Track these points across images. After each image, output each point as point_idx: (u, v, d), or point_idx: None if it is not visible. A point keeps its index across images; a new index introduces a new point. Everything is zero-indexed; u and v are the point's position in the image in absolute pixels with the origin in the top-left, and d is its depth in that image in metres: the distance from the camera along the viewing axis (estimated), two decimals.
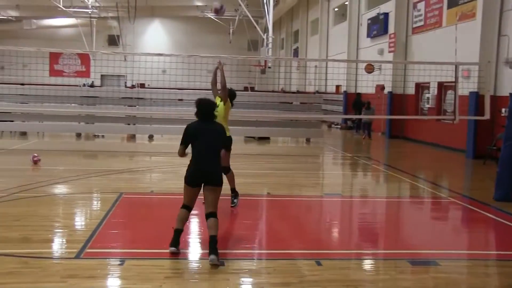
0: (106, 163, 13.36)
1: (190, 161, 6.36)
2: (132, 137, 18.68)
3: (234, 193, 8.58)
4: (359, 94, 25.28)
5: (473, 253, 6.84)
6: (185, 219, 6.24)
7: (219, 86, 8.57)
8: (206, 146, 6.25)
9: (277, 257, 6.25)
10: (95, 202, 9.15)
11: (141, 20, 44.29)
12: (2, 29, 44.30)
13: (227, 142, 8.21)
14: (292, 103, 20.12)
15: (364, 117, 21.54)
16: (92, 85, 35.55)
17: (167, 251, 6.07)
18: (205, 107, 6.37)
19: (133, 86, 33.41)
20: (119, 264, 5.69)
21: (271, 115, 17.52)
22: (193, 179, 6.23)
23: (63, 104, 16.62)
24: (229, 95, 8.44)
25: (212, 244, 5.81)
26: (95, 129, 18.07)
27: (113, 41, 45.66)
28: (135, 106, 17.57)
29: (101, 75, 45.16)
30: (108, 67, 16.46)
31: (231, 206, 8.47)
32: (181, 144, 6.49)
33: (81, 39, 40.76)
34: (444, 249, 6.79)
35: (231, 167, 8.48)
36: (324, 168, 14.87)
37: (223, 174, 7.42)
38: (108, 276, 5.46)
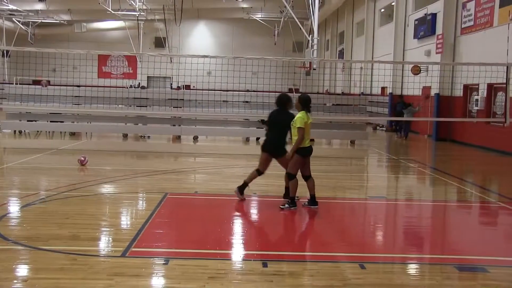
0: (152, 164, 13.59)
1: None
2: (177, 138, 18.94)
3: (291, 200, 8.62)
4: (401, 96, 24.87)
5: None
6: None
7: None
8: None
9: (320, 260, 6.22)
10: (140, 202, 9.33)
11: (187, 22, 44.88)
12: (54, 32, 45.74)
13: (302, 152, 8.56)
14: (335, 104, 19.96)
15: (409, 119, 21.20)
16: (143, 87, 36.16)
17: (211, 251, 6.13)
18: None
19: (178, 88, 33.89)
20: (164, 264, 5.78)
21: (316, 116, 17.42)
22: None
23: (110, 105, 17.01)
24: (302, 103, 8.63)
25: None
26: (142, 130, 18.41)
27: (159, 43, 46.46)
28: (180, 108, 17.80)
29: (148, 77, 46.00)
30: (154, 68, 16.72)
31: (280, 207, 8.52)
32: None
33: (128, 41, 41.66)
34: (493, 255, 6.59)
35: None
36: (368, 170, 14.69)
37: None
38: (153, 275, 5.55)
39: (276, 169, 9.32)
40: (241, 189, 9.02)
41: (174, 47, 46.14)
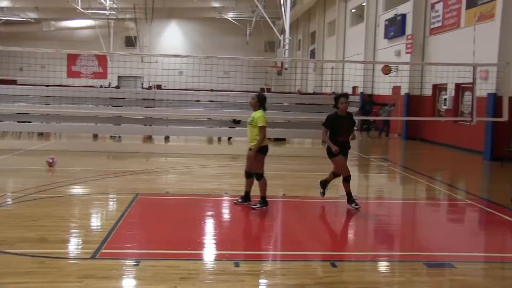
0: (123, 164, 13.46)
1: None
2: (148, 138, 18.80)
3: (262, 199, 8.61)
4: (370, 96, 25.19)
5: (490, 255, 6.76)
6: None
7: None
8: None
9: (292, 259, 6.25)
10: (111, 203, 9.23)
11: (158, 21, 44.55)
12: (21, 30, 44.87)
13: (261, 150, 8.41)
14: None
15: (386, 118, 21.51)
16: (117, 87, 35.71)
17: (182, 251, 6.11)
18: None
19: (149, 88, 33.61)
20: (135, 265, 5.73)
21: (288, 116, 17.50)
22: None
23: (80, 105, 16.78)
24: (261, 101, 8.57)
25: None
26: (112, 130, 18.21)
27: (130, 42, 46.02)
28: (152, 108, 17.68)
29: (118, 76, 45.52)
30: (125, 68, 16.54)
31: (252, 207, 8.51)
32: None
33: (98, 40, 41.14)
34: (460, 251, 6.74)
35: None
36: None
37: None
38: (124, 276, 5.50)
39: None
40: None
41: (145, 47, 45.73)
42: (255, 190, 8.59)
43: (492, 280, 5.76)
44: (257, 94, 8.84)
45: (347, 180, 8.76)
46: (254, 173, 8.50)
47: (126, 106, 17.46)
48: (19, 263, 5.67)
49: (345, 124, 8.77)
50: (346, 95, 8.93)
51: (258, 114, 8.41)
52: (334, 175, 9.09)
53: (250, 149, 8.46)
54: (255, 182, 8.57)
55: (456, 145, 18.49)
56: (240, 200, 8.75)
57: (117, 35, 45.38)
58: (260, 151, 8.36)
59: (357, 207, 8.55)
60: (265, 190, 8.51)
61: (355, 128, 8.83)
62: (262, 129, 8.30)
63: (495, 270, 6.10)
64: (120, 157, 14.83)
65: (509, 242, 7.78)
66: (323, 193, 9.17)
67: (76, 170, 12.03)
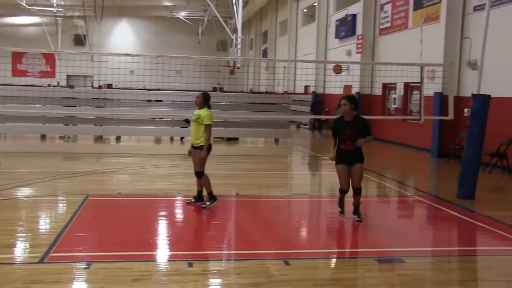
0: (72, 165, 13.14)
1: None
2: (99, 139, 18.43)
3: (210, 196, 8.56)
4: (318, 96, 25.57)
5: (437, 249, 6.96)
6: None
7: None
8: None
9: (246, 258, 6.26)
10: (60, 205, 9.00)
11: (108, 19, 43.77)
12: None
13: (209, 149, 8.37)
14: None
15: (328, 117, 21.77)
16: (71, 86, 34.80)
17: (135, 253, 6.03)
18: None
19: (100, 87, 32.99)
20: (86, 268, 5.61)
21: (240, 115, 17.51)
22: None
23: (27, 105, 16.26)
24: (206, 100, 8.53)
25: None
26: (61, 130, 17.75)
27: (79, 40, 44.98)
28: (102, 107, 17.33)
29: (67, 75, 44.42)
30: (74, 67, 16.18)
31: (201, 206, 8.48)
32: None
33: (45, 38, 40.02)
34: (409, 247, 6.90)
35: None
36: (292, 168, 14.95)
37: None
38: (74, 280, 5.37)
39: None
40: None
41: (95, 45, 44.83)
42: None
43: (440, 273, 5.94)
44: (202, 92, 8.81)
45: (356, 192, 8.07)
46: (196, 171, 8.47)
47: (76, 106, 17.04)
48: None
49: (347, 129, 7.88)
50: (346, 97, 8.01)
51: (204, 112, 8.39)
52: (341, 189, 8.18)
53: (193, 148, 8.41)
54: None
55: (405, 143, 18.96)
56: (193, 200, 8.71)
57: (66, 33, 44.28)
58: (202, 150, 8.34)
59: (359, 219, 8.12)
60: (210, 185, 8.50)
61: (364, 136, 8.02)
62: (209, 127, 8.30)
63: (442, 264, 6.28)
64: (70, 158, 14.48)
65: (455, 236, 8.04)
66: (341, 212, 8.24)
67: (23, 172, 11.67)
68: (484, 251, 7.02)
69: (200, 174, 8.47)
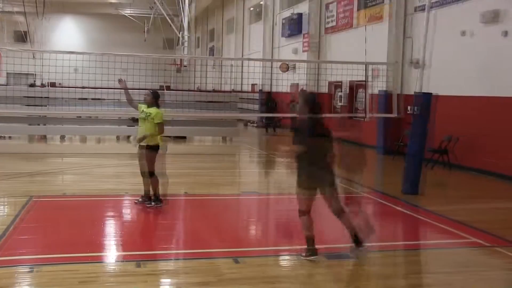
0: (14, 166, 12.69)
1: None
2: (42, 138, 17.89)
3: (156, 197, 8.44)
4: (269, 93, 25.65)
5: (383, 244, 7.12)
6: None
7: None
8: None
9: (195, 257, 6.23)
10: (1, 207, 8.71)
11: (51, 16, 42.44)
12: None
13: (157, 148, 8.25)
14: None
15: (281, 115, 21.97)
16: (32, 85, 33.51)
17: (81, 254, 5.89)
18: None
19: (42, 85, 31.99)
20: (29, 271, 5.44)
21: (187, 114, 17.38)
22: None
23: None
24: (155, 98, 8.40)
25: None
26: (2, 129, 17.13)
27: (20, 37, 43.48)
28: (45, 106, 16.82)
29: (7, 73, 42.87)
30: (14, 64, 15.62)
31: (146, 206, 8.36)
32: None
33: None
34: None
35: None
36: (240, 166, 14.98)
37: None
38: (16, 284, 5.20)
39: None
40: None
41: (37, 42, 43.46)
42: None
43: (385, 267, 6.10)
44: (152, 91, 8.71)
45: None
46: (147, 172, 8.35)
47: (12, 104, 16.45)
48: None
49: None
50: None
51: (155, 110, 8.28)
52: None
53: (142, 148, 8.28)
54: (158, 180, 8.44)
55: (352, 140, 19.28)
56: (140, 200, 8.57)
57: (5, 29, 42.76)
58: (152, 149, 8.22)
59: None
60: (158, 187, 8.39)
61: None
62: (160, 125, 8.21)
63: (387, 258, 6.46)
64: (11, 158, 13.99)
65: (401, 231, 8.27)
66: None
67: None
68: (427, 245, 7.26)
69: (150, 174, 8.31)
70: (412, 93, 11.51)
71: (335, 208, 6.33)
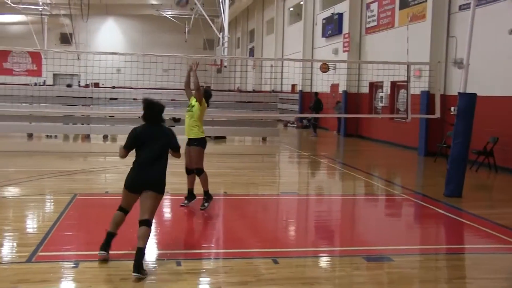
0: (60, 164, 13.04)
1: (133, 163, 5.91)
2: (86, 137, 18.31)
3: (207, 195, 8.41)
4: (316, 93, 25.29)
5: (424, 248, 7.01)
6: (120, 222, 5.91)
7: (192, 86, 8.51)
8: (153, 153, 5.81)
9: (234, 256, 6.26)
10: (48, 204, 8.94)
11: (95, 18, 43.42)
12: None
13: (201, 143, 8.21)
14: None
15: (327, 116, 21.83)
16: (69, 85, 34.51)
17: (123, 252, 6.00)
18: (153, 109, 5.94)
19: (87, 86, 32.73)
20: (73, 267, 5.58)
21: (227, 114, 17.49)
22: (132, 185, 5.80)
23: (13, 104, 16.12)
24: (205, 96, 8.39)
25: (136, 257, 5.37)
26: (48, 129, 17.62)
27: (65, 39, 44.61)
28: (89, 106, 17.22)
29: (54, 74, 44.06)
30: (60, 65, 16.01)
31: (200, 209, 8.34)
32: (124, 147, 6.05)
33: (31, 36, 39.65)
34: (397, 245, 6.96)
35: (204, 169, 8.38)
36: (280, 167, 14.97)
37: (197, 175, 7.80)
38: (62, 279, 5.35)
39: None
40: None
41: (82, 44, 44.50)
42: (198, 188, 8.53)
43: (427, 271, 5.99)
44: (205, 88, 8.75)
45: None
46: (196, 168, 8.38)
47: (58, 104, 16.90)
48: None
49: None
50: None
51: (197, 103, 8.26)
52: None
53: (188, 144, 8.31)
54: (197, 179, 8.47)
55: (392, 141, 19.06)
56: (186, 201, 8.58)
57: (52, 31, 43.92)
58: (199, 143, 8.23)
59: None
60: (207, 184, 8.40)
61: None
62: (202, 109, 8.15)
63: (429, 262, 6.34)
64: (56, 157, 14.37)
65: (442, 234, 8.10)
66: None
67: (9, 171, 11.56)
68: (471, 249, 7.08)
69: (199, 171, 8.28)
70: (455, 93, 11.26)
71: None
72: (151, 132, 5.93)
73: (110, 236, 5.85)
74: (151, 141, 5.86)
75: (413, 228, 8.22)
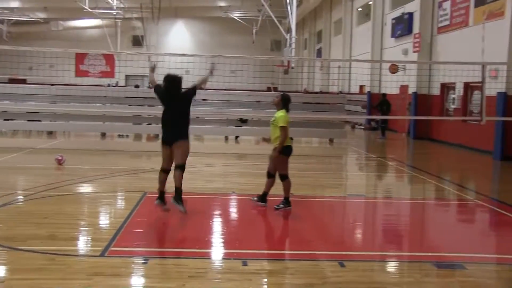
0: (130, 163, 13.48)
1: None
2: (155, 137, 18.81)
3: (287, 201, 8.44)
4: (384, 95, 24.63)
5: (501, 257, 6.70)
6: (165, 180, 7.94)
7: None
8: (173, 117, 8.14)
9: (300, 258, 6.24)
10: (119, 201, 9.25)
11: (165, 21, 44.58)
12: (30, 30, 45.08)
13: (284, 151, 8.25)
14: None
15: (390, 117, 21.36)
16: (136, 86, 35.69)
17: (191, 250, 6.12)
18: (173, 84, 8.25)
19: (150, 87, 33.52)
20: (143, 263, 5.74)
21: (294, 115, 17.46)
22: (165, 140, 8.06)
23: (88, 104, 16.82)
24: (284, 100, 8.47)
25: (176, 193, 7.60)
26: (120, 129, 18.24)
27: (137, 41, 46.10)
28: (153, 106, 17.67)
29: (126, 75, 45.59)
30: (132, 67, 16.50)
31: (275, 208, 8.36)
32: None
33: (105, 39, 41.20)
34: (470, 252, 6.68)
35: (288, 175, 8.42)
36: (347, 168, 14.77)
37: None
38: (132, 274, 5.51)
39: (252, 167, 9.31)
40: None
41: (152, 46, 45.79)
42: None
43: (504, 282, 5.72)
44: (282, 94, 8.80)
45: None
46: (279, 174, 8.38)
47: (130, 105, 17.45)
48: (29, 260, 5.71)
49: None
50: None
51: (280, 113, 8.32)
52: None
53: (274, 149, 8.39)
54: (273, 183, 8.48)
55: (465, 144, 18.38)
56: (255, 198, 8.67)
57: (124, 34, 45.46)
58: (283, 153, 8.26)
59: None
60: (289, 191, 8.42)
61: None
62: (283, 129, 8.18)
63: (506, 272, 6.05)
64: (128, 155, 14.84)
65: None
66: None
67: (85, 168, 12.06)
68: None
69: (283, 177, 8.34)
70: None
71: None
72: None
73: (162, 193, 7.81)
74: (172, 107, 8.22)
75: (488, 236, 7.87)
